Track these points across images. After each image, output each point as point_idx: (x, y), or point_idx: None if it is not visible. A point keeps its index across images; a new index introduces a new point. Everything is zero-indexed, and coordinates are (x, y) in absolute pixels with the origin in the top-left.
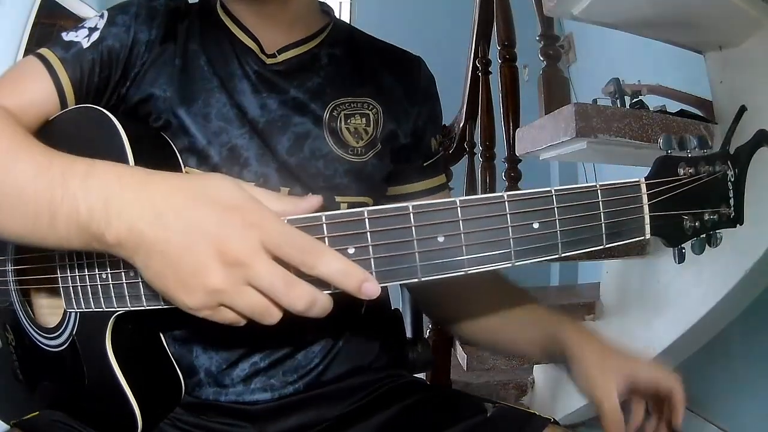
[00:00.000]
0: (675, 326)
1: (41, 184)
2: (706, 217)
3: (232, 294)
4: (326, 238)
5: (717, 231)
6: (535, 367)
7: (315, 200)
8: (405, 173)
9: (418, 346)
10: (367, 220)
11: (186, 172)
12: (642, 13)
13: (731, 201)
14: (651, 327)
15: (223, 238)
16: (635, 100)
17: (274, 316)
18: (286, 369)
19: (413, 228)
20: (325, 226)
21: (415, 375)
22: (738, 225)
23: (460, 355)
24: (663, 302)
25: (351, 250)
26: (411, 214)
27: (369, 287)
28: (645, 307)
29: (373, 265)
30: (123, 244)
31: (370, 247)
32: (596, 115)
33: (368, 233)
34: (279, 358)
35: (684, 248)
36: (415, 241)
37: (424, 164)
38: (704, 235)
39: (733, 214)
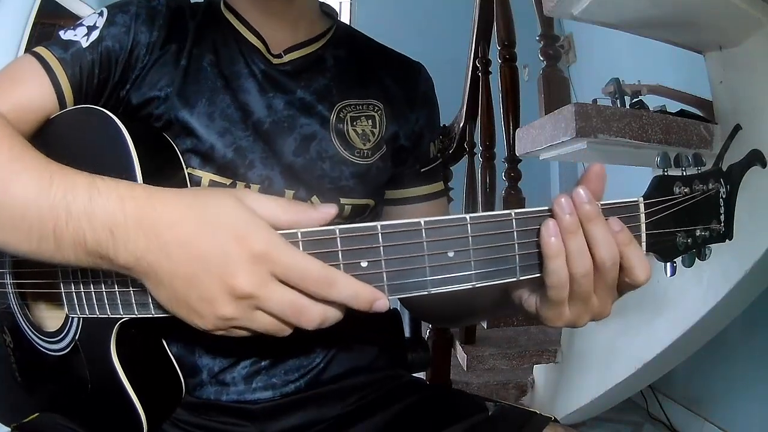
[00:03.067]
0: (675, 326)
1: (44, 205)
2: (698, 233)
3: (244, 320)
4: (340, 252)
5: (707, 246)
6: (535, 367)
7: (330, 210)
8: (403, 177)
9: (417, 347)
10: (380, 234)
11: (189, 173)
12: (642, 13)
13: (722, 217)
14: (651, 327)
15: (231, 273)
16: (635, 100)
17: (286, 332)
18: (288, 368)
19: (425, 243)
20: (339, 239)
21: (414, 375)
22: (727, 240)
23: (460, 355)
24: (663, 302)
25: (364, 264)
26: (423, 230)
27: (379, 304)
28: (645, 307)
29: (385, 278)
30: (132, 270)
31: (383, 261)
32: (596, 115)
33: (381, 247)
34: (281, 357)
35: (675, 263)
36: (426, 256)
37: (422, 170)
38: (694, 250)
39: (723, 230)
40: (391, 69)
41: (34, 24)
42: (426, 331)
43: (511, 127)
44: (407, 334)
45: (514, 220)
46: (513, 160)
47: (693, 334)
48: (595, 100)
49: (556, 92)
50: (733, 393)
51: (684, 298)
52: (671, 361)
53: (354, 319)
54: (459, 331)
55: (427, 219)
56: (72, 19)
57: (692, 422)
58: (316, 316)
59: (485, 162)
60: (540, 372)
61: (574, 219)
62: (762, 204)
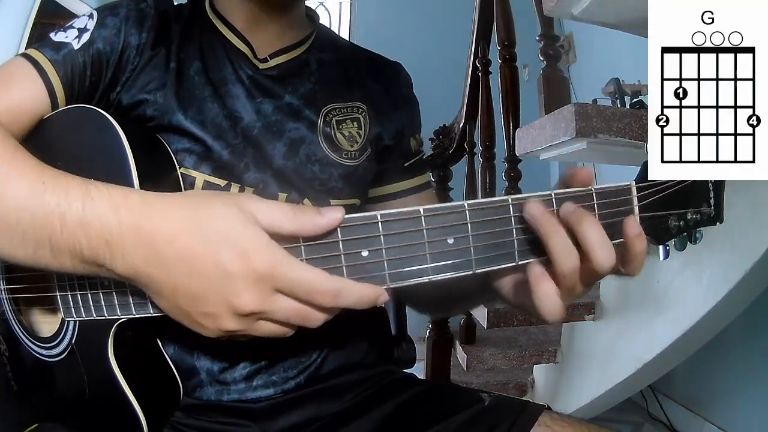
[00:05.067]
0: (675, 326)
1: (38, 212)
2: (689, 216)
3: (248, 330)
4: (340, 242)
5: (698, 229)
6: (535, 367)
7: (336, 215)
8: (386, 173)
9: (403, 343)
10: (380, 223)
11: (182, 173)
12: (642, 13)
13: (712, 201)
14: (651, 327)
15: (234, 292)
16: (635, 100)
17: (289, 335)
18: (287, 365)
19: (424, 231)
20: (339, 230)
21: (405, 371)
22: (718, 223)
23: (460, 355)
24: (663, 302)
25: (365, 253)
26: (422, 218)
27: (382, 299)
28: (645, 307)
29: (386, 267)
30: (133, 280)
31: (384, 249)
32: (596, 115)
33: (381, 236)
34: (280, 354)
35: (668, 246)
36: (426, 243)
37: (405, 164)
38: (686, 233)
39: (713, 213)
40: (372, 71)
41: (34, 24)
42: (426, 330)
43: (511, 127)
44: (392, 331)
45: (510, 206)
46: (513, 160)
47: (693, 334)
48: (595, 100)
49: (556, 92)
50: (733, 393)
51: (684, 298)
52: (671, 361)
53: (345, 315)
54: (459, 331)
55: (426, 207)
56: (71, 19)
57: (692, 422)
58: (320, 319)
59: (485, 162)
60: (540, 372)
61: (552, 218)
62: (762, 204)
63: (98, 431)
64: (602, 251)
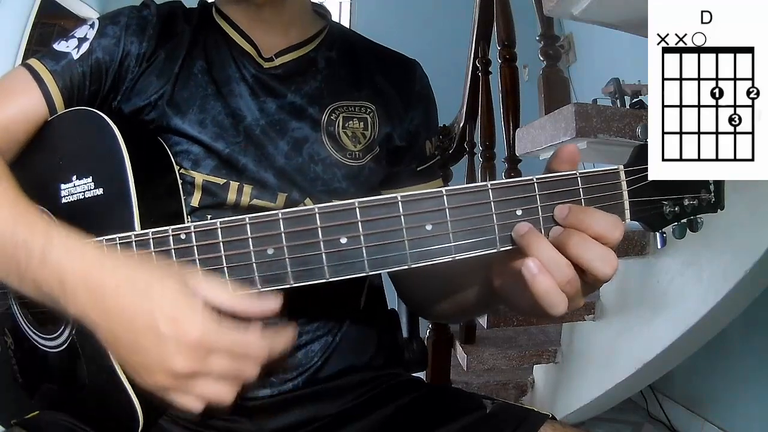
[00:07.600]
0: (675, 326)
1: (8, 244)
2: (686, 202)
3: (182, 389)
4: (319, 229)
5: (698, 216)
6: (535, 367)
7: (270, 304)
8: (399, 176)
9: (414, 345)
10: (357, 210)
11: (182, 173)
12: (642, 13)
13: (711, 187)
14: (651, 327)
15: (168, 354)
16: (635, 100)
17: (226, 401)
18: (287, 367)
19: (402, 217)
20: (317, 216)
21: (413, 375)
22: (719, 210)
23: (460, 355)
24: (663, 302)
25: (343, 240)
26: (399, 204)
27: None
28: (645, 307)
29: (365, 254)
30: (83, 321)
31: (362, 236)
32: (596, 115)
33: (359, 223)
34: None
35: (665, 233)
36: (404, 230)
37: (418, 168)
38: (685, 220)
39: (713, 199)
40: (385, 69)
41: (34, 24)
42: (426, 331)
43: (511, 127)
44: (404, 334)
45: (490, 191)
46: (513, 160)
47: (693, 334)
48: (595, 100)
49: (556, 92)
50: (733, 393)
51: (684, 298)
52: (671, 361)
53: (352, 314)
54: (459, 331)
55: (404, 193)
56: (72, 19)
57: (692, 422)
58: (254, 372)
59: (485, 162)
60: (540, 372)
61: (548, 275)
62: (762, 204)
63: (97, 420)
64: (602, 264)
